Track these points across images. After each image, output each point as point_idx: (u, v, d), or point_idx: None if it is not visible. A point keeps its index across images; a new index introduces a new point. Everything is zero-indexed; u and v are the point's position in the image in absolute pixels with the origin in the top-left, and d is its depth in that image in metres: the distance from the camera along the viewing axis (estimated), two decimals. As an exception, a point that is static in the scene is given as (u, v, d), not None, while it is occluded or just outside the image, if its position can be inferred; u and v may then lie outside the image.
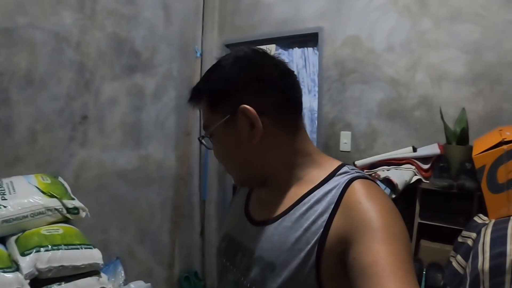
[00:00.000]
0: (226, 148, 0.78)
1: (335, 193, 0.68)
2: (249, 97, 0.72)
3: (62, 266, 1.36)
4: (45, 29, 1.89)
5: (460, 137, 1.88)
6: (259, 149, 0.74)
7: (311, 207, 0.69)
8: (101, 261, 1.48)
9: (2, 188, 1.51)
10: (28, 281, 1.27)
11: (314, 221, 0.67)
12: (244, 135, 0.73)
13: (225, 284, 0.81)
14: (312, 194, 0.71)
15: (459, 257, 1.57)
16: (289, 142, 0.76)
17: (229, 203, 0.99)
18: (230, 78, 0.74)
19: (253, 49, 0.78)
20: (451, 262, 1.62)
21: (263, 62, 0.76)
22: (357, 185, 0.67)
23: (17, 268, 1.28)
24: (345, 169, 0.74)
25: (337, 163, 0.76)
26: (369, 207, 0.62)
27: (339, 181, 0.70)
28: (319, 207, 0.68)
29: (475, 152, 1.65)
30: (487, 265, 1.36)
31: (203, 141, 0.82)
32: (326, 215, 0.66)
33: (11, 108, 1.79)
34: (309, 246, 0.65)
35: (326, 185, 0.71)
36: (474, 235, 1.55)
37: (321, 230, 0.65)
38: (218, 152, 0.80)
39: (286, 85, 0.76)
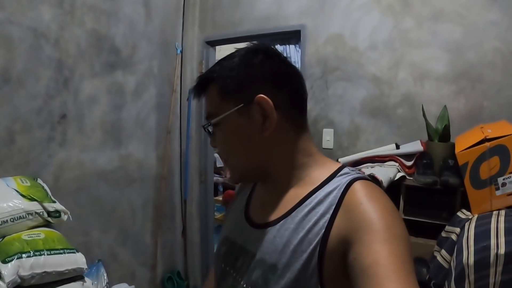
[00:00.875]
0: (234, 139, 0.76)
1: (336, 194, 0.68)
2: (266, 89, 0.73)
3: (45, 272, 1.32)
4: (22, 25, 1.81)
5: (442, 134, 1.92)
6: (267, 143, 0.74)
7: (313, 208, 0.69)
8: (85, 266, 1.45)
9: (-21, 192, 1.44)
10: (11, 289, 1.22)
11: (315, 223, 0.67)
12: (256, 126, 0.73)
13: None
14: (313, 196, 0.71)
15: (443, 251, 1.60)
16: (294, 141, 0.77)
17: (228, 208, 0.97)
18: (250, 66, 0.74)
19: (268, 45, 0.79)
20: (435, 257, 1.65)
21: (281, 58, 0.77)
22: (358, 186, 0.68)
23: (-1, 276, 1.23)
24: (345, 170, 0.74)
25: (337, 165, 0.77)
26: (370, 207, 0.63)
27: (340, 182, 0.70)
28: (321, 208, 0.68)
29: (458, 149, 1.68)
30: (472, 259, 1.39)
31: (208, 128, 0.79)
32: (328, 216, 0.66)
33: (-13, 108, 1.71)
34: (311, 247, 0.66)
35: (327, 186, 0.71)
36: (458, 230, 1.58)
37: (323, 231, 0.65)
38: (222, 142, 0.78)
39: (298, 83, 0.78)
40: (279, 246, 0.70)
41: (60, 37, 2.01)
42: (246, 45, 0.78)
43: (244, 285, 0.73)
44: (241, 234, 0.81)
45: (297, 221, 0.70)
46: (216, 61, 0.78)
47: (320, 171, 0.75)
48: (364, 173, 1.96)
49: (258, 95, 0.71)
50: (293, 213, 0.72)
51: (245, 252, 0.77)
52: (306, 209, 0.70)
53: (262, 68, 0.74)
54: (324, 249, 0.64)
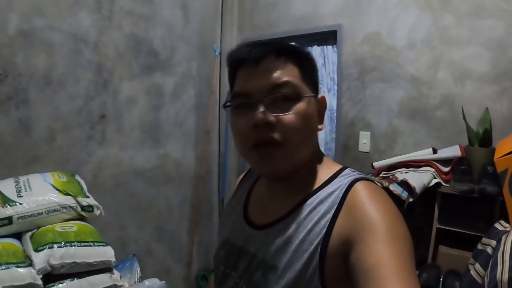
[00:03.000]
0: (308, 121, 0.72)
1: (338, 194, 0.68)
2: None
3: (74, 262, 1.39)
4: (62, 31, 1.94)
5: (482, 139, 1.79)
6: (313, 141, 0.76)
7: (314, 208, 0.69)
8: (113, 259, 1.50)
9: (18, 186, 1.56)
10: (41, 276, 1.30)
11: (317, 222, 0.67)
12: (316, 119, 0.75)
13: None
14: (315, 196, 0.71)
15: (477, 265, 1.50)
16: (317, 142, 0.79)
17: (223, 210, 0.97)
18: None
19: None
20: (469, 270, 1.55)
21: None
22: (360, 186, 0.68)
23: (30, 263, 1.32)
24: (347, 171, 0.75)
25: (339, 166, 0.77)
26: (373, 208, 0.63)
27: (342, 182, 0.70)
28: (322, 208, 0.68)
29: (497, 154, 1.57)
30: (506, 276, 1.29)
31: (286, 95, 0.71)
32: (329, 216, 0.66)
33: (30, 108, 1.85)
34: (312, 247, 0.65)
35: (328, 186, 0.71)
36: (494, 242, 1.47)
37: (324, 231, 0.65)
38: (293, 119, 0.69)
39: None
40: (280, 246, 0.70)
41: (99, 42, 2.13)
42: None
43: (244, 286, 0.74)
44: (241, 236, 0.80)
45: (298, 221, 0.69)
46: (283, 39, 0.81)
47: (323, 171, 0.75)
48: (397, 178, 1.89)
49: (322, 94, 0.77)
50: (294, 213, 0.71)
51: (246, 253, 0.77)
52: (308, 209, 0.70)
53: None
54: (325, 249, 0.64)
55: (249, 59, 0.71)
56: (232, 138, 0.77)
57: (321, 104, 0.77)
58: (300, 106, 0.70)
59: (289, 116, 0.68)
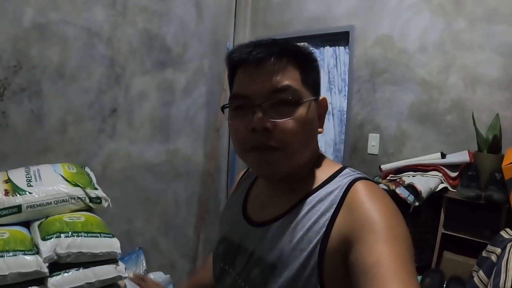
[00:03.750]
0: (308, 125, 0.71)
1: (338, 193, 0.68)
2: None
3: (80, 252, 1.40)
4: (77, 25, 1.97)
5: (492, 145, 1.77)
6: (313, 144, 0.76)
7: (313, 207, 0.69)
8: (119, 250, 1.52)
9: (28, 175, 1.59)
10: (47, 264, 1.33)
11: (316, 221, 0.67)
12: (316, 122, 0.75)
13: (223, 287, 0.81)
14: (314, 194, 0.71)
15: (481, 272, 1.49)
16: (316, 144, 0.78)
17: (223, 207, 0.98)
18: (319, 68, 0.79)
19: None
20: (473, 277, 1.54)
21: None
22: (360, 185, 0.67)
23: (37, 251, 1.34)
24: (347, 170, 0.74)
25: (339, 165, 0.77)
26: (373, 207, 0.62)
27: (341, 181, 0.70)
28: (321, 207, 0.68)
29: (506, 161, 1.55)
30: (509, 284, 1.28)
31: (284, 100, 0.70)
32: (329, 215, 0.66)
33: (43, 100, 1.89)
34: (311, 246, 0.65)
35: (328, 185, 0.71)
36: (499, 250, 1.46)
37: (324, 229, 0.65)
38: (291, 125, 0.68)
39: None
40: (278, 244, 0.70)
41: (112, 37, 2.16)
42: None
43: (242, 284, 0.74)
44: (240, 233, 0.81)
45: (297, 219, 0.70)
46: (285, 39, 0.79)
47: (322, 171, 0.75)
48: (404, 181, 1.88)
49: (323, 96, 0.77)
50: (293, 211, 0.71)
51: (244, 250, 0.77)
52: (307, 208, 0.70)
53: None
54: (324, 248, 0.64)
55: (250, 60, 0.70)
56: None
57: (322, 107, 0.77)
58: (300, 111, 0.69)
59: (287, 122, 0.67)
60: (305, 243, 0.66)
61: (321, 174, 0.75)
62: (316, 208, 0.68)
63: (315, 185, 0.73)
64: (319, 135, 0.77)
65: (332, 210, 0.66)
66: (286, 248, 0.68)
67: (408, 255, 0.57)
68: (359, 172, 0.74)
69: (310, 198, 0.71)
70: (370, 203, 0.63)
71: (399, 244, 0.58)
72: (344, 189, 0.68)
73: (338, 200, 0.67)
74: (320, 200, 0.69)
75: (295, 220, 0.70)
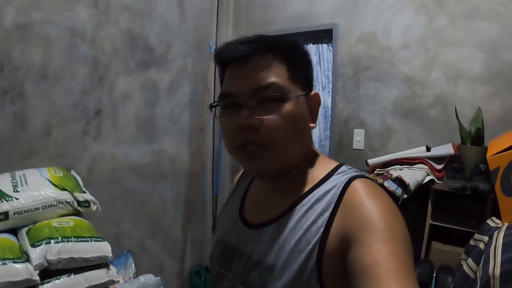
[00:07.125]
0: (297, 122, 0.70)
1: (335, 192, 0.67)
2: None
3: (71, 258, 1.38)
4: (59, 25, 1.92)
5: (475, 138, 1.83)
6: (304, 140, 0.74)
7: (311, 207, 0.68)
8: (110, 254, 1.50)
9: (14, 181, 1.54)
10: (38, 271, 1.30)
11: (314, 221, 0.66)
12: (307, 118, 0.73)
13: None
14: (311, 194, 0.70)
15: (470, 260, 1.53)
16: (311, 140, 0.78)
17: (220, 210, 0.96)
18: (311, 62, 0.78)
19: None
20: (462, 266, 1.58)
21: None
22: (357, 184, 0.66)
23: (27, 259, 1.31)
24: (343, 168, 0.73)
25: (335, 163, 0.76)
26: (371, 206, 0.62)
27: (338, 180, 0.69)
28: (319, 207, 0.67)
29: (489, 153, 1.60)
30: (498, 270, 1.32)
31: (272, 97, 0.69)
32: (327, 215, 0.65)
33: (26, 102, 1.83)
34: (309, 247, 0.64)
35: (325, 184, 0.70)
36: (486, 238, 1.51)
37: (322, 230, 0.64)
38: (282, 121, 0.68)
39: None
40: (276, 246, 0.69)
41: (95, 36, 2.11)
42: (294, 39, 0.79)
43: (241, 287, 0.73)
44: (236, 235, 0.79)
45: (295, 220, 0.69)
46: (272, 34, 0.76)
47: (319, 169, 0.74)
48: (392, 175, 1.92)
49: (315, 91, 0.75)
50: (290, 212, 0.70)
51: (241, 253, 0.76)
52: (304, 208, 0.69)
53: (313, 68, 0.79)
54: (323, 248, 0.63)
55: (236, 57, 0.69)
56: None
57: (314, 102, 0.75)
58: (286, 107, 0.68)
59: (273, 119, 0.67)
60: (303, 244, 0.65)
61: (317, 172, 0.73)
62: (314, 209, 0.67)
63: (312, 184, 0.72)
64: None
65: (330, 210, 0.65)
66: (284, 250, 0.67)
67: (407, 255, 0.57)
68: (356, 170, 0.73)
69: (307, 198, 0.70)
70: (368, 202, 0.62)
71: (397, 244, 0.57)
72: (341, 187, 0.67)
73: (335, 200, 0.66)
74: (318, 200, 0.68)
75: (292, 221, 0.69)
